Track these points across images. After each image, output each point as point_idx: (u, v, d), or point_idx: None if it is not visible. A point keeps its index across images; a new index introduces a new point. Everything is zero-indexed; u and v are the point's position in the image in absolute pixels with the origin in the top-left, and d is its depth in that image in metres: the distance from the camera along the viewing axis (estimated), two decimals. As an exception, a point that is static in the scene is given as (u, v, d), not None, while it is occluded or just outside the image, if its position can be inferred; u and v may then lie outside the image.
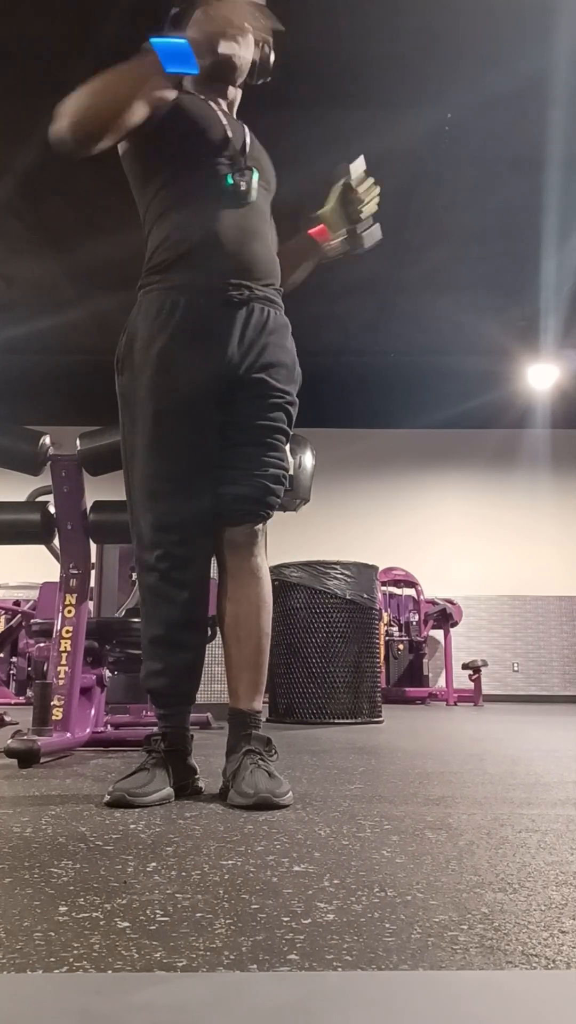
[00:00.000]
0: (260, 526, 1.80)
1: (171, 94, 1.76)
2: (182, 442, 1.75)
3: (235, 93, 1.94)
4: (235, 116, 1.94)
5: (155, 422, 1.74)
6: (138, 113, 1.69)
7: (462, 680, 8.87)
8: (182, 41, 1.66)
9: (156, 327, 1.75)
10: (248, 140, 1.86)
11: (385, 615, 8.86)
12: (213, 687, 4.56)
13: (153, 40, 1.65)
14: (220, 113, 1.85)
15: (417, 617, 9.38)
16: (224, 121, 1.84)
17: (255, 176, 1.80)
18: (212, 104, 1.86)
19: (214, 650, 3.26)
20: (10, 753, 2.12)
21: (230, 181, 1.77)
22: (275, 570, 4.83)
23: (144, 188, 1.85)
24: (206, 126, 1.82)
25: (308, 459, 2.43)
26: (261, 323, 1.78)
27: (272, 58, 1.92)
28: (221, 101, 1.89)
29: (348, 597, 4.86)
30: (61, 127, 1.65)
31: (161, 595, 1.76)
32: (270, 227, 1.87)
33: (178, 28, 1.83)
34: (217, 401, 1.77)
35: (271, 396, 1.79)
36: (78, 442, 2.56)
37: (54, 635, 2.57)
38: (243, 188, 1.77)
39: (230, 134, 1.83)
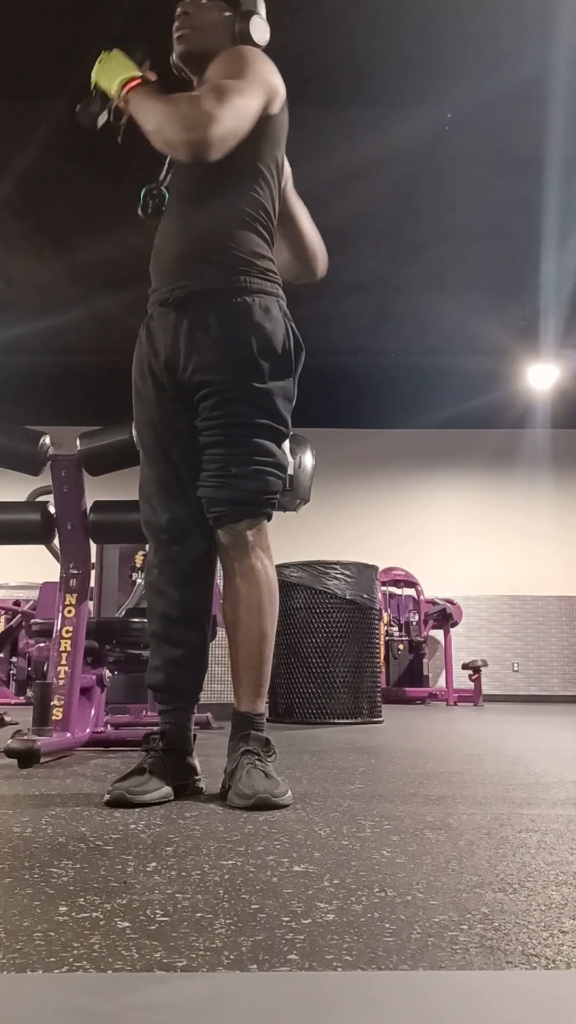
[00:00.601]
0: (245, 527, 1.76)
1: None
2: (156, 449, 1.84)
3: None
4: None
5: (138, 431, 1.89)
6: None
7: (462, 680, 8.86)
8: None
9: (137, 346, 1.88)
10: None
11: (385, 615, 8.86)
12: (213, 687, 4.56)
13: None
14: None
15: (417, 617, 9.38)
16: None
17: (144, 189, 1.84)
18: None
19: (214, 650, 3.26)
20: (10, 753, 2.12)
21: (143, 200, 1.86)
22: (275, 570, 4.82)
23: None
24: None
25: (308, 459, 2.43)
26: (197, 320, 1.74)
27: (251, 27, 1.83)
28: None
29: (348, 597, 4.86)
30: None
31: (158, 591, 1.82)
32: (212, 206, 1.79)
33: None
34: (178, 407, 1.80)
35: (225, 393, 1.74)
36: (78, 442, 2.56)
37: (54, 635, 2.57)
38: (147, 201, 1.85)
39: None
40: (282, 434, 1.80)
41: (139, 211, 1.86)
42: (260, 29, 1.87)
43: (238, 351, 1.73)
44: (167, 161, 1.88)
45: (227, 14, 1.86)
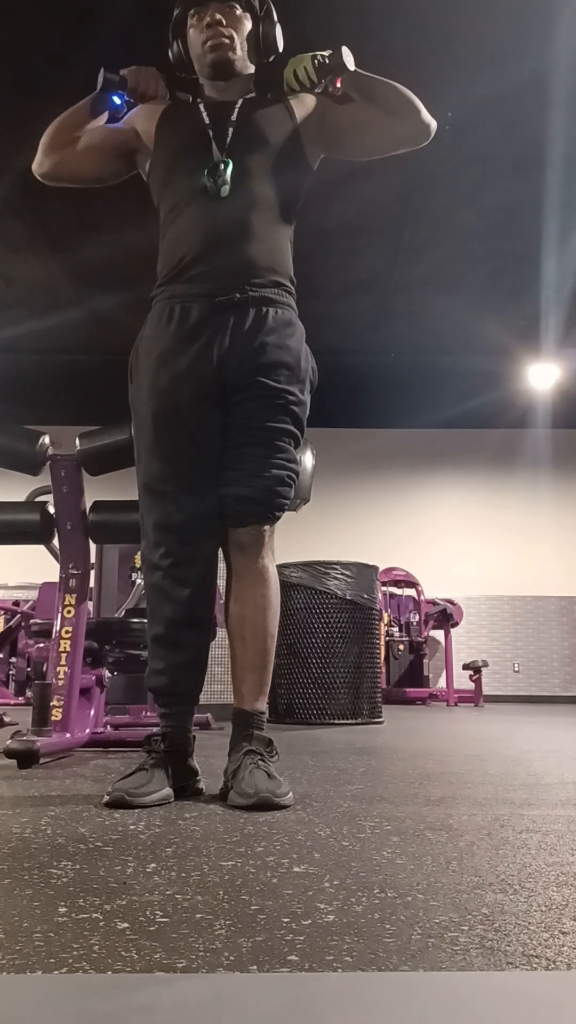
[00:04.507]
0: (266, 528, 1.79)
1: (99, 120, 1.91)
2: (180, 444, 1.79)
3: (244, 79, 1.93)
4: (250, 96, 1.92)
5: (154, 425, 1.80)
6: (77, 129, 1.91)
7: (462, 680, 8.86)
8: (113, 78, 1.84)
9: (156, 336, 1.82)
10: (232, 129, 1.83)
11: (385, 615, 8.85)
12: (213, 687, 4.55)
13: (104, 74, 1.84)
14: (204, 115, 1.86)
15: (417, 617, 9.37)
16: (206, 120, 1.85)
17: (229, 168, 1.79)
18: (201, 106, 1.88)
19: (214, 650, 3.27)
20: (10, 753, 2.12)
21: (202, 181, 1.79)
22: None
23: (157, 207, 1.92)
24: (184, 139, 1.86)
25: (308, 459, 2.43)
26: (256, 324, 1.78)
27: (276, 33, 1.93)
28: (219, 95, 1.91)
29: (348, 597, 4.86)
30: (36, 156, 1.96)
31: (163, 593, 1.78)
32: (274, 219, 1.84)
33: (179, 35, 1.92)
34: (214, 404, 1.79)
35: (271, 397, 1.78)
36: (78, 442, 2.56)
37: (54, 635, 2.57)
38: (212, 184, 1.78)
39: (211, 133, 1.83)
40: (299, 441, 1.87)
41: (210, 180, 1.79)
42: (281, 36, 1.95)
43: (289, 360, 1.80)
44: (225, 145, 1.82)
45: (250, 24, 1.90)
